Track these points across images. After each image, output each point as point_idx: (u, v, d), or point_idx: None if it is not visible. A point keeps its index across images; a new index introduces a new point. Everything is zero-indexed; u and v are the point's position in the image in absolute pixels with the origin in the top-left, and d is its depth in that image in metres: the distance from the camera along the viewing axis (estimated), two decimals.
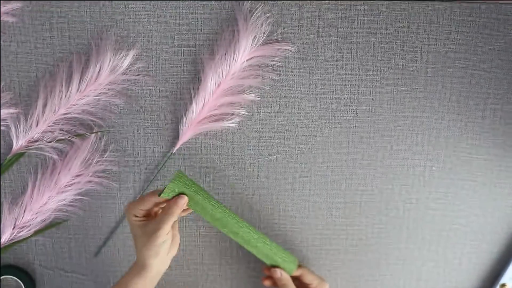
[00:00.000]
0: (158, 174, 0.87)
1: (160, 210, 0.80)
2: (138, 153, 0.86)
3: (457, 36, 0.83)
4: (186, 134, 0.84)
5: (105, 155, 0.86)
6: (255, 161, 0.87)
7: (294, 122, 0.86)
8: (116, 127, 0.86)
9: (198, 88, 0.83)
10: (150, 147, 0.86)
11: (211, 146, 0.87)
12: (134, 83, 0.84)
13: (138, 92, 0.84)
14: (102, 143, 0.86)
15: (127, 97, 0.84)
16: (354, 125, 0.86)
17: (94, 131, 0.85)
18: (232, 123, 0.85)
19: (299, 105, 0.85)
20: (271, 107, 0.85)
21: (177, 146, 0.85)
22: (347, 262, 0.91)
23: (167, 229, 0.75)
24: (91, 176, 0.86)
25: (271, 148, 0.87)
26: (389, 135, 0.86)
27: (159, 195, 0.75)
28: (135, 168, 0.87)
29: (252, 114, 0.86)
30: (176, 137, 0.86)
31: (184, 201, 0.76)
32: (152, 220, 0.76)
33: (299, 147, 0.87)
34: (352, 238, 0.90)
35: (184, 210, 0.78)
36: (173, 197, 0.76)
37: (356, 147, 0.87)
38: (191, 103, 0.83)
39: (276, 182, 0.88)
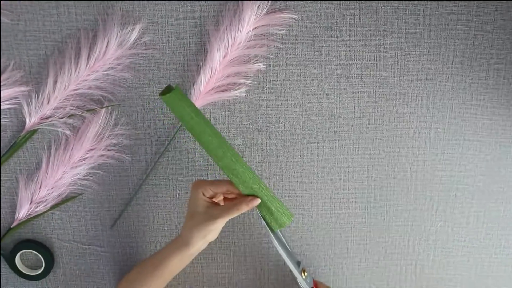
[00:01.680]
0: (168, 146, 0.88)
1: (221, 199, 0.83)
2: (148, 125, 0.87)
3: None
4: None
5: (116, 129, 0.87)
6: (263, 129, 0.88)
7: (300, 90, 0.87)
8: (126, 101, 0.87)
9: (204, 60, 0.84)
10: (159, 120, 0.87)
11: (220, 116, 0.88)
12: (141, 56, 0.85)
13: (145, 66, 0.85)
14: (113, 117, 0.87)
15: (135, 71, 0.85)
16: (360, 90, 0.87)
17: (105, 105, 0.86)
18: (240, 92, 0.86)
19: (304, 73, 0.86)
20: (277, 75, 0.86)
21: None
22: (357, 225, 0.92)
23: (226, 219, 0.77)
24: (103, 150, 0.88)
25: (279, 116, 0.88)
26: (394, 98, 0.87)
27: (160, 94, 0.73)
28: (146, 141, 0.88)
29: (259, 83, 0.86)
30: None
31: (255, 203, 0.77)
32: (216, 206, 0.78)
33: (306, 114, 0.88)
34: (361, 201, 0.91)
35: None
36: (247, 195, 0.77)
37: (362, 112, 0.88)
38: (198, 74, 0.84)
39: (285, 149, 0.89)
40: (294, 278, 0.87)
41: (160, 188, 0.90)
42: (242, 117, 0.87)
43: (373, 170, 0.90)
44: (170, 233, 0.92)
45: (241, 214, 0.87)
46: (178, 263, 0.80)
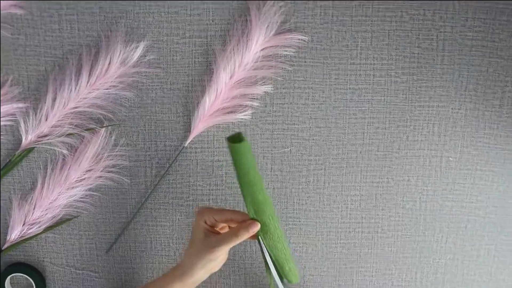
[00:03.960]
0: (169, 168, 0.85)
1: (224, 227, 0.80)
2: (149, 147, 0.85)
3: (474, 23, 0.81)
4: (198, 127, 0.82)
5: (116, 150, 0.85)
6: (269, 153, 0.85)
7: (308, 114, 0.84)
8: (127, 120, 0.84)
9: (210, 80, 0.81)
10: (161, 141, 0.85)
11: (224, 139, 0.84)
12: (144, 75, 0.82)
13: (148, 85, 0.83)
14: (113, 138, 0.84)
15: (137, 90, 0.83)
16: (369, 116, 0.84)
17: (105, 125, 0.84)
18: (245, 115, 0.83)
19: (313, 96, 0.83)
20: (284, 98, 0.84)
21: (189, 140, 0.83)
22: (363, 256, 0.89)
23: (226, 249, 0.74)
24: (101, 171, 0.85)
25: (285, 140, 0.85)
26: (405, 125, 0.85)
27: (226, 138, 0.69)
28: (146, 163, 0.85)
29: (265, 106, 0.84)
30: (187, 130, 0.84)
31: (256, 229, 0.74)
32: (216, 234, 0.76)
33: (313, 139, 0.85)
34: (368, 231, 0.88)
35: (251, 237, 0.75)
36: (244, 220, 0.74)
37: (371, 138, 0.85)
38: (203, 95, 0.82)
39: (290, 175, 0.86)
40: None
41: (159, 212, 0.87)
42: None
43: (381, 199, 0.87)
44: (168, 259, 0.89)
45: (243, 241, 0.83)
46: None
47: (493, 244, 0.89)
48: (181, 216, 0.87)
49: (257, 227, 0.73)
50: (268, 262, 0.77)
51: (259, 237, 0.75)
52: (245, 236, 0.73)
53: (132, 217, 0.87)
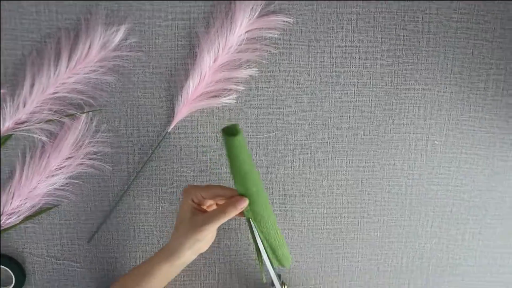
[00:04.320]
0: (152, 155, 0.83)
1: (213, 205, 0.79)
2: (132, 133, 0.83)
3: (459, 5, 0.81)
4: (182, 112, 0.81)
5: (97, 136, 0.82)
6: (254, 138, 0.84)
7: (293, 97, 0.83)
8: (108, 106, 0.82)
9: (193, 64, 0.80)
10: (144, 127, 0.83)
11: (208, 123, 0.83)
12: (126, 59, 0.80)
13: (130, 69, 0.81)
14: (94, 124, 0.82)
15: (119, 74, 0.81)
16: (355, 99, 0.83)
17: (85, 110, 0.81)
18: (230, 99, 0.81)
19: (298, 79, 0.82)
20: (269, 82, 0.82)
21: (172, 125, 0.82)
22: (349, 241, 0.88)
23: (214, 227, 0.72)
24: (82, 158, 0.83)
25: (270, 124, 0.84)
26: (391, 108, 0.84)
27: (221, 129, 0.68)
28: (129, 149, 0.84)
29: (250, 90, 0.82)
30: (171, 115, 0.83)
31: (244, 205, 0.71)
32: (203, 213, 0.74)
33: (298, 123, 0.84)
34: (354, 217, 0.88)
35: (239, 214, 0.74)
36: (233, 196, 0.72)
37: (357, 122, 0.84)
38: (186, 79, 0.80)
39: (276, 160, 0.85)
40: None
41: (142, 200, 0.85)
42: None
43: (367, 184, 0.87)
44: (151, 247, 0.87)
45: (227, 227, 0.84)
46: (167, 273, 0.75)
47: (478, 228, 0.89)
48: (164, 203, 0.85)
49: (244, 203, 0.71)
50: (260, 248, 0.76)
51: (251, 222, 0.74)
52: (233, 212, 0.71)
53: (114, 205, 0.85)
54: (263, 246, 0.77)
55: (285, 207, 0.86)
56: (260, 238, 0.76)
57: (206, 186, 0.74)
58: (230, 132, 0.67)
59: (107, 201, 0.85)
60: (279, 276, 0.81)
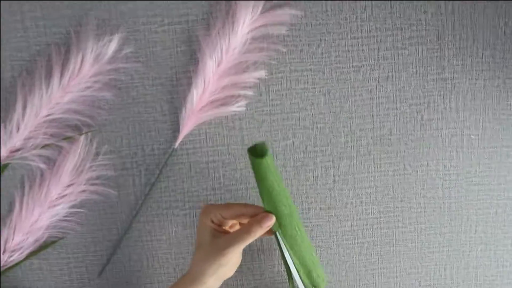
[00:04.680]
0: (160, 175, 0.77)
1: (236, 225, 0.73)
2: (135, 153, 0.77)
3: None
4: (188, 125, 0.75)
5: (98, 159, 0.77)
6: (269, 148, 0.75)
7: (309, 99, 0.76)
8: (108, 125, 0.76)
9: (196, 71, 0.74)
10: (148, 145, 0.77)
11: (217, 136, 0.77)
12: (122, 72, 0.75)
13: (128, 82, 0.75)
14: (94, 145, 0.76)
15: (116, 89, 0.75)
16: (378, 96, 0.76)
17: (83, 132, 0.76)
18: (239, 107, 0.75)
19: (312, 79, 0.75)
20: (281, 84, 0.75)
21: (179, 140, 0.76)
22: (384, 255, 0.81)
23: (239, 250, 0.66)
24: (84, 184, 0.77)
25: (286, 131, 0.77)
26: (418, 103, 0.76)
27: (248, 149, 0.64)
28: (134, 171, 0.77)
29: (261, 95, 0.76)
30: (176, 130, 0.76)
31: (270, 223, 0.66)
32: (225, 234, 0.68)
33: (317, 127, 0.77)
34: (388, 227, 0.80)
35: (267, 232, 0.68)
36: (256, 215, 0.67)
37: (382, 121, 0.77)
38: (189, 88, 0.74)
39: (295, 170, 0.78)
40: None
41: (153, 225, 0.79)
42: (243, 136, 0.77)
43: (399, 189, 0.79)
44: (168, 277, 0.80)
45: (249, 250, 0.78)
46: None
47: None
48: (177, 227, 0.79)
49: (271, 221, 0.66)
50: (292, 270, 0.70)
51: (282, 243, 0.69)
52: (258, 232, 0.65)
53: (123, 233, 0.78)
54: (295, 268, 0.71)
55: (310, 222, 0.79)
56: (293, 260, 0.70)
57: (226, 205, 0.68)
58: (257, 151, 0.63)
59: (116, 230, 0.79)
60: None
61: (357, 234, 0.80)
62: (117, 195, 0.78)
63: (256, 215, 0.66)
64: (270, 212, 0.67)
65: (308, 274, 0.72)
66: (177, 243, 0.80)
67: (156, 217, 0.79)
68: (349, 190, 0.79)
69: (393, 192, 0.79)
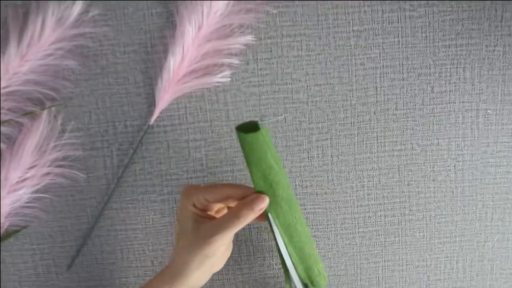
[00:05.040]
0: (134, 155, 0.70)
1: (224, 210, 0.65)
2: (106, 130, 0.69)
3: None
4: (165, 98, 0.67)
5: (64, 137, 0.69)
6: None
7: (303, 69, 0.68)
8: (74, 98, 0.68)
9: (173, 36, 0.65)
10: (120, 121, 0.69)
11: (199, 111, 0.69)
12: (89, 37, 0.67)
13: (96, 50, 0.67)
14: (59, 122, 0.68)
15: (83, 58, 0.67)
16: (382, 65, 0.68)
17: (46, 106, 0.68)
18: (223, 77, 0.67)
19: (307, 45, 0.67)
20: (270, 51, 0.67)
21: (155, 116, 0.68)
22: (389, 246, 0.73)
23: (227, 238, 0.58)
24: (49, 166, 0.69)
25: (277, 106, 0.69)
26: (428, 73, 0.68)
27: (238, 129, 0.56)
28: (105, 151, 0.70)
29: (248, 63, 0.68)
30: (152, 104, 0.68)
31: (263, 205, 0.58)
32: (210, 220, 0.60)
33: (312, 101, 0.69)
34: (393, 215, 0.72)
35: (258, 217, 0.60)
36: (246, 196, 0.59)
37: (386, 94, 0.69)
38: (166, 56, 0.66)
39: (288, 150, 0.70)
40: None
41: (128, 212, 0.71)
42: (228, 110, 0.69)
43: (406, 172, 0.71)
44: (145, 271, 0.73)
45: (235, 239, 0.70)
46: None
47: None
48: (155, 215, 0.72)
49: (264, 202, 0.58)
50: (289, 267, 0.63)
51: (277, 232, 0.61)
52: (249, 215, 0.57)
53: (94, 221, 0.71)
54: (293, 262, 0.63)
55: (305, 209, 0.72)
56: (290, 253, 0.63)
57: (210, 186, 0.60)
58: (247, 129, 0.57)
59: (86, 218, 0.72)
60: (306, 286, 0.67)
61: (358, 223, 0.73)
62: (86, 178, 0.71)
63: (246, 197, 0.59)
64: (262, 193, 0.59)
65: (307, 270, 0.65)
66: (155, 233, 0.72)
67: (130, 203, 0.71)
68: (349, 172, 0.71)
69: (399, 175, 0.71)
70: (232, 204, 0.63)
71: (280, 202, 0.60)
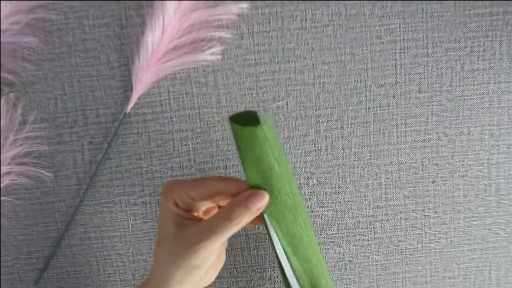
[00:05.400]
0: (110, 150, 0.60)
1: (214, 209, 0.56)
2: (75, 120, 0.60)
3: None
4: (143, 81, 0.58)
5: (26, 130, 0.60)
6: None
7: (307, 43, 0.59)
8: (36, 83, 0.60)
9: (151, 6, 0.57)
10: (91, 109, 0.60)
11: (184, 96, 0.60)
12: (52, 9, 0.58)
13: (61, 23, 0.58)
14: (19, 111, 0.60)
15: (44, 33, 0.58)
16: (402, 38, 0.58)
17: (3, 93, 0.59)
18: (212, 54, 0.58)
19: (313, 15, 0.58)
20: (269, 22, 0.58)
21: (132, 102, 0.59)
22: (410, 255, 0.64)
23: (216, 245, 0.48)
24: (8, 164, 0.60)
25: (277, 88, 0.60)
26: (457, 47, 0.59)
27: (230, 117, 0.47)
28: (74, 145, 0.61)
29: (242, 38, 0.59)
30: (128, 88, 0.59)
31: (261, 204, 0.48)
32: (196, 223, 0.50)
33: (320, 83, 0.59)
34: (415, 217, 0.63)
35: (254, 220, 0.51)
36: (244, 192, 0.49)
37: (407, 73, 0.59)
38: (143, 30, 0.57)
39: (291, 141, 0.61)
40: None
41: (103, 217, 0.62)
42: (219, 95, 0.60)
43: (431, 166, 0.62)
44: (124, 285, 0.64)
45: (229, 248, 0.61)
46: None
47: None
48: (135, 220, 0.62)
49: (262, 200, 0.48)
50: (291, 282, 0.54)
51: (276, 240, 0.51)
52: (244, 217, 0.47)
53: (64, 228, 0.62)
54: (295, 275, 0.54)
55: (312, 211, 0.63)
56: (292, 265, 0.54)
57: (196, 181, 0.50)
58: (244, 120, 0.47)
59: (54, 224, 0.63)
60: None
61: (374, 227, 0.64)
62: (53, 178, 0.62)
63: (240, 193, 0.49)
64: (260, 188, 0.48)
65: (313, 283, 0.55)
66: (135, 241, 0.63)
67: (106, 207, 0.63)
68: (363, 168, 0.62)
69: (423, 171, 0.62)
70: (224, 202, 0.53)
71: (283, 210, 0.50)
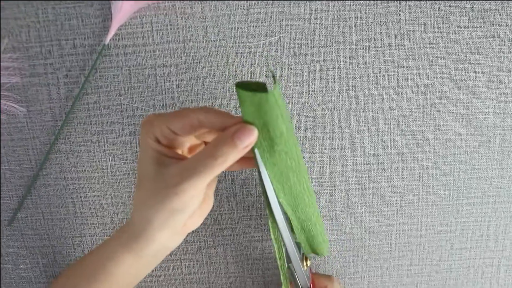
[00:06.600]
0: (87, 84, 0.56)
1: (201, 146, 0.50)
2: (50, 51, 0.56)
3: None
4: (123, 9, 0.53)
5: None
6: (244, 48, 0.55)
7: None
8: (7, 9, 0.55)
9: None
10: (68, 40, 0.55)
11: (168, 27, 0.55)
12: None
13: None
14: None
15: None
16: None
17: None
18: None
19: None
20: None
21: (111, 33, 0.54)
22: (405, 206, 0.60)
23: (200, 186, 0.43)
24: None
25: (270, 22, 0.55)
26: None
27: (237, 86, 0.41)
28: (49, 78, 0.56)
29: None
30: (107, 17, 0.54)
31: (251, 140, 0.43)
32: (178, 161, 0.45)
33: (316, 18, 0.54)
34: (412, 167, 0.59)
35: (243, 162, 0.46)
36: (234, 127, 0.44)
37: (412, 10, 0.54)
38: None
39: (284, 80, 0.56)
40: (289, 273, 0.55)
41: (80, 157, 0.58)
42: (206, 28, 0.55)
43: (432, 113, 0.58)
44: (103, 229, 0.60)
45: (216, 195, 0.57)
46: (131, 268, 0.48)
47: None
48: (114, 160, 0.58)
49: (250, 136, 0.43)
50: (285, 239, 0.51)
51: (271, 189, 0.48)
52: (230, 155, 0.42)
53: (39, 167, 0.58)
54: (292, 235, 0.52)
55: (303, 157, 0.58)
56: (290, 223, 0.52)
57: (177, 112, 0.45)
58: (252, 88, 0.42)
59: (28, 162, 0.59)
60: (298, 247, 0.55)
61: (368, 176, 0.60)
62: (26, 113, 0.58)
63: (227, 128, 0.44)
64: (250, 123, 0.43)
65: (310, 240, 0.54)
66: (114, 182, 0.59)
67: (83, 145, 0.58)
68: (360, 112, 0.58)
69: (424, 118, 0.58)
70: (210, 138, 0.48)
71: (287, 172, 0.46)
